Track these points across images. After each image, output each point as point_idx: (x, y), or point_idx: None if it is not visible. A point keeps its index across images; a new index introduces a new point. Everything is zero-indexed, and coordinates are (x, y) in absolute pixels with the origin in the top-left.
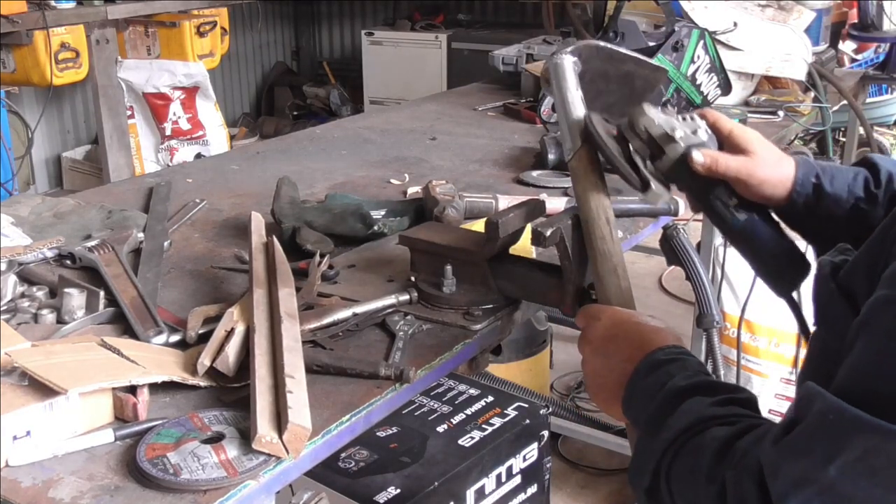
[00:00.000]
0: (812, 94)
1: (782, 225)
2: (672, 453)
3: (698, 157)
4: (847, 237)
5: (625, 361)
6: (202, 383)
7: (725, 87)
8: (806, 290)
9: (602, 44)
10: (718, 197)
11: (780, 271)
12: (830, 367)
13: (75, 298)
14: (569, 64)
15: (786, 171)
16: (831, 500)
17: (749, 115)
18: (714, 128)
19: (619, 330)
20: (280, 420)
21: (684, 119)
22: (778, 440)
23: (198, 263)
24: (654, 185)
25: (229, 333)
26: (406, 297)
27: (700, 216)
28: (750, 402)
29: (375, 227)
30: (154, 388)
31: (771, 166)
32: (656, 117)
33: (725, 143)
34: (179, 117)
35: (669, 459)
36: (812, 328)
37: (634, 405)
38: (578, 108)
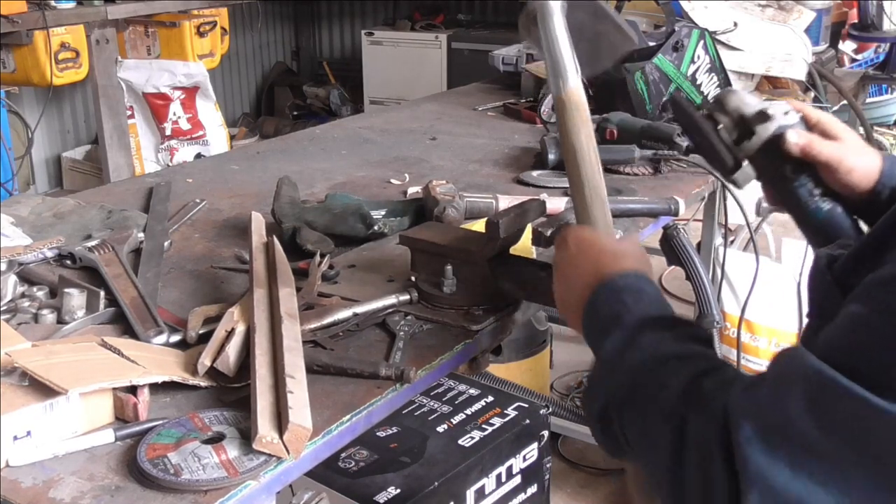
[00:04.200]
0: (812, 94)
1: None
2: (627, 387)
3: (793, 136)
4: None
5: (582, 287)
6: (202, 383)
7: (725, 87)
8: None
9: None
10: (804, 184)
11: None
12: None
13: (75, 298)
14: (557, 4)
15: (873, 162)
16: (802, 452)
17: None
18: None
19: (580, 253)
20: (280, 420)
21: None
22: (748, 388)
23: (198, 263)
24: (745, 163)
25: (229, 333)
26: (406, 297)
27: (700, 216)
28: (708, 340)
29: (375, 227)
30: (154, 388)
31: (860, 155)
32: (747, 97)
33: (814, 130)
34: (179, 117)
35: (624, 393)
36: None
37: (591, 332)
38: (566, 46)
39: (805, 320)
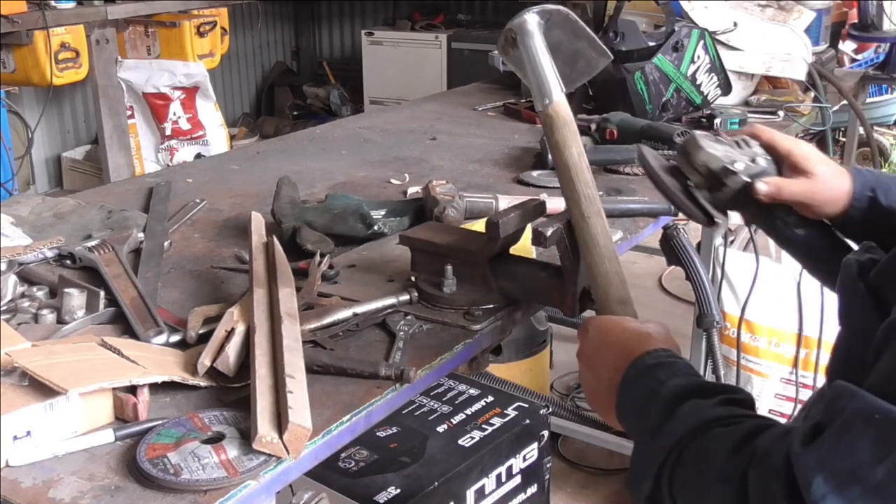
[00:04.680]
0: (812, 94)
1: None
2: (674, 458)
3: (762, 187)
4: None
5: (612, 371)
6: (202, 383)
7: (725, 87)
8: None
9: (571, 13)
10: (779, 217)
11: (834, 270)
12: (856, 370)
13: (75, 298)
14: (535, 22)
15: (843, 186)
16: (878, 499)
17: (749, 115)
18: (770, 148)
19: (604, 339)
20: (280, 420)
21: (740, 146)
22: (809, 440)
23: (198, 263)
24: (718, 218)
25: (229, 333)
26: (406, 297)
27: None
28: (748, 402)
29: (375, 227)
30: (154, 388)
31: (830, 184)
32: (713, 150)
33: (784, 163)
34: (179, 117)
35: (672, 464)
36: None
37: (628, 414)
38: (548, 62)
39: (804, 322)
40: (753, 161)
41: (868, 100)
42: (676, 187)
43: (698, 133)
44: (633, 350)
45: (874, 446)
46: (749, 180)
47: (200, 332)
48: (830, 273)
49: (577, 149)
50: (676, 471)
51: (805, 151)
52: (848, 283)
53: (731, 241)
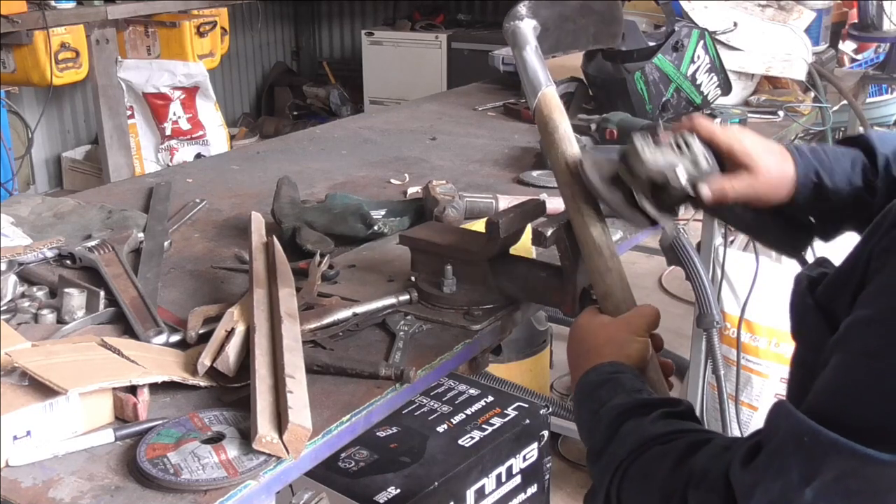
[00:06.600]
0: (812, 94)
1: None
2: (619, 478)
3: (706, 192)
4: (849, 222)
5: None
6: (202, 383)
7: (725, 87)
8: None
9: None
10: (727, 208)
11: (787, 244)
12: (807, 383)
13: (75, 298)
14: (527, 28)
15: (787, 174)
16: None
17: (749, 115)
18: (710, 144)
19: (570, 349)
20: (280, 420)
21: (680, 148)
22: (747, 461)
23: (198, 263)
24: (660, 220)
25: (229, 333)
26: (406, 297)
27: (700, 216)
28: (687, 412)
29: (375, 227)
30: (154, 388)
31: (773, 174)
32: (653, 158)
33: (726, 159)
34: (179, 117)
35: (617, 485)
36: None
37: (581, 432)
38: (536, 66)
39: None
40: (695, 164)
41: (868, 100)
42: (619, 198)
43: (638, 138)
44: (580, 367)
45: (802, 468)
46: (691, 188)
47: (200, 332)
48: (786, 246)
49: (559, 148)
50: (622, 490)
51: (746, 145)
52: (798, 299)
53: (731, 241)
